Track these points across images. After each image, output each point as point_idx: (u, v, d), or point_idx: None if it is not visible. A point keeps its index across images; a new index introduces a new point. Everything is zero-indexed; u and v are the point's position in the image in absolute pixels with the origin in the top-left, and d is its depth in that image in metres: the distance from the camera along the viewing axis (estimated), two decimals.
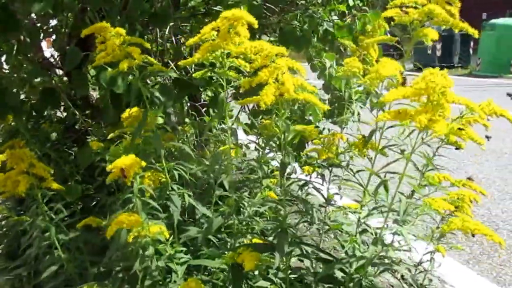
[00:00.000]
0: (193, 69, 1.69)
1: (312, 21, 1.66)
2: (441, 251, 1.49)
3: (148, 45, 1.20)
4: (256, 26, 1.11)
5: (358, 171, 1.30)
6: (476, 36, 1.23)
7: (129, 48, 1.15)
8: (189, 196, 1.25)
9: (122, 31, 1.15)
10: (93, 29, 1.16)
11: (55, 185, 1.36)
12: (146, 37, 1.80)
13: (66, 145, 1.96)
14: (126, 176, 1.06)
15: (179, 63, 1.17)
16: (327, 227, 1.49)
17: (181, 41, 2.00)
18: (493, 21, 11.96)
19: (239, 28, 1.09)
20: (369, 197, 1.27)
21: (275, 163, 2.11)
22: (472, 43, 13.60)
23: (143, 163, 1.10)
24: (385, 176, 1.19)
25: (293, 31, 1.64)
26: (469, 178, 1.39)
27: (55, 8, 1.46)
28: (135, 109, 1.27)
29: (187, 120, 2.00)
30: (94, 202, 1.83)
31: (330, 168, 1.44)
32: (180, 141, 1.81)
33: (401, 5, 1.20)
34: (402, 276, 2.33)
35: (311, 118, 1.93)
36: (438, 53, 13.60)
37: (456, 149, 1.29)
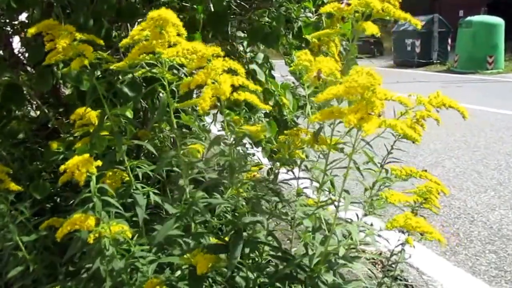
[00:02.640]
0: None
1: (279, 18, 1.63)
2: (410, 242, 1.50)
3: (101, 42, 1.14)
4: (181, 28, 1.08)
5: (311, 168, 1.28)
6: (419, 27, 1.21)
7: (81, 45, 1.10)
8: (155, 194, 1.21)
9: (72, 28, 1.10)
10: (41, 27, 1.11)
11: (13, 186, 1.30)
12: (115, 33, 1.74)
13: (37, 144, 1.90)
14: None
15: (111, 66, 1.11)
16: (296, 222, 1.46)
17: None
18: (470, 18, 12.08)
19: (169, 29, 1.05)
20: (324, 192, 1.26)
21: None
22: (450, 40, 13.74)
23: (99, 162, 1.05)
24: (330, 173, 1.18)
25: (262, 27, 1.60)
26: (424, 171, 1.38)
27: (19, 1, 1.40)
28: (82, 109, 1.22)
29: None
30: (66, 199, 1.78)
31: (299, 164, 1.42)
32: (157, 139, 1.77)
33: None
34: (382, 268, 2.34)
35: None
36: (418, 50, 13.72)
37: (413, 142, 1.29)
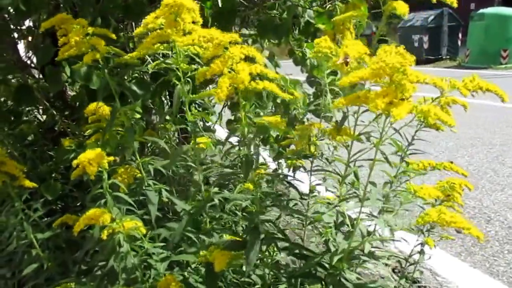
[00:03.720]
0: None
1: (291, 8, 1.63)
2: (430, 243, 1.47)
3: (113, 35, 1.16)
4: (197, 14, 1.06)
5: (333, 161, 1.27)
6: (455, 5, 1.16)
7: (93, 39, 1.12)
8: (167, 191, 1.24)
9: (85, 22, 1.12)
10: (54, 21, 1.12)
11: (27, 183, 1.34)
12: (122, 34, 1.78)
13: (45, 145, 1.95)
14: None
15: (125, 57, 1.11)
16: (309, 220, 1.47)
17: None
18: (482, 10, 11.92)
19: (184, 16, 1.04)
20: (346, 187, 1.24)
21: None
22: (460, 35, 13.62)
23: (111, 158, 1.08)
24: (354, 164, 1.14)
25: (272, 20, 1.62)
26: (450, 162, 1.35)
27: (26, 2, 1.44)
28: (94, 104, 1.24)
29: (168, 117, 1.99)
30: (76, 200, 1.82)
31: (311, 159, 1.41)
32: (163, 139, 1.80)
33: None
34: (393, 269, 2.34)
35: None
36: (426, 46, 13.61)
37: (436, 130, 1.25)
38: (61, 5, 1.59)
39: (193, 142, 1.22)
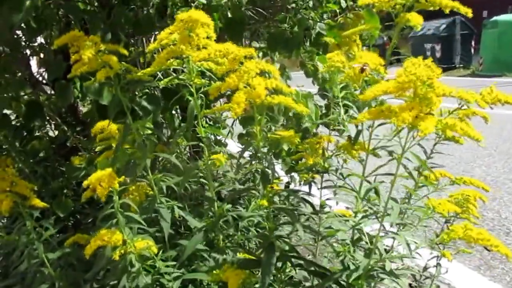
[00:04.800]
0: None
1: (302, 21, 1.63)
2: (447, 256, 1.44)
3: (125, 52, 1.17)
4: (211, 29, 1.06)
5: (348, 175, 1.25)
6: (470, 15, 1.15)
7: (106, 56, 1.12)
8: (179, 208, 1.23)
9: (97, 38, 1.13)
10: (66, 39, 1.13)
11: (38, 203, 1.34)
12: (133, 48, 1.79)
13: (57, 162, 1.96)
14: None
15: (138, 73, 1.12)
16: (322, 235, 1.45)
17: None
18: (495, 18, 11.88)
19: (199, 31, 1.05)
20: (362, 202, 1.22)
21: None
22: (473, 43, 13.57)
23: (122, 178, 1.07)
24: (374, 180, 1.12)
25: (283, 33, 1.62)
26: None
27: (37, 19, 1.46)
28: (103, 123, 1.24)
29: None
30: (88, 216, 1.82)
31: (321, 174, 1.39)
32: (174, 154, 1.80)
33: None
34: (410, 284, 2.30)
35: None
36: (438, 54, 13.56)
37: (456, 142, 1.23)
38: (72, 22, 1.60)
39: (206, 158, 1.21)
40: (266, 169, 1.03)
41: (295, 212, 1.22)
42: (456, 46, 13.47)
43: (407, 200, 1.31)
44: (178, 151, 1.90)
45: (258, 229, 1.47)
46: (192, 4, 2.11)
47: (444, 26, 13.50)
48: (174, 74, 1.12)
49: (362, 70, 1.00)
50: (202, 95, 1.12)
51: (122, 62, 1.15)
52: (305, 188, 1.52)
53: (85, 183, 1.06)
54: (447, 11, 1.12)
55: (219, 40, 1.87)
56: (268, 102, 0.98)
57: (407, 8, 1.11)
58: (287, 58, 2.12)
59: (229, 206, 1.20)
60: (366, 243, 1.13)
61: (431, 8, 1.11)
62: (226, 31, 1.58)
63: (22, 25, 1.51)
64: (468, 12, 1.14)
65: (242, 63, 0.98)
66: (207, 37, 1.11)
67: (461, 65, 13.56)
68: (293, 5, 1.98)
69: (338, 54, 1.09)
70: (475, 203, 1.40)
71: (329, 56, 1.10)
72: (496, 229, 2.95)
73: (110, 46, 1.15)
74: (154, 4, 2.01)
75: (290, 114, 2.04)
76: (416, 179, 1.30)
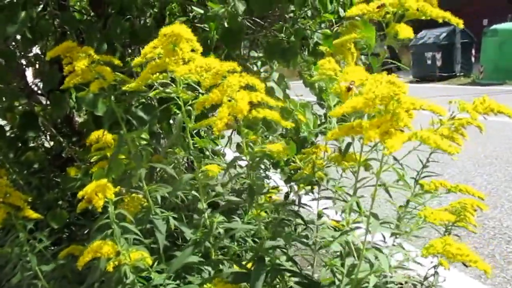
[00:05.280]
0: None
1: (299, 31, 1.64)
2: (445, 265, 1.44)
3: (119, 62, 1.17)
4: (195, 43, 1.07)
5: (337, 188, 1.24)
6: (461, 26, 1.13)
7: (99, 67, 1.12)
8: (175, 219, 1.22)
9: (91, 50, 1.13)
10: (60, 50, 1.13)
11: (32, 214, 1.33)
12: (129, 59, 1.80)
13: (53, 172, 1.95)
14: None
15: (123, 88, 1.12)
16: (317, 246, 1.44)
17: None
18: (495, 26, 11.93)
19: (183, 45, 1.05)
20: (353, 214, 1.20)
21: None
22: (473, 51, 13.60)
23: (117, 189, 1.07)
24: (355, 193, 1.11)
25: (279, 42, 1.62)
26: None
27: (32, 30, 1.46)
28: (98, 132, 1.24)
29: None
30: (83, 228, 1.81)
31: (316, 184, 1.38)
32: (172, 165, 1.79)
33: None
34: None
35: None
36: (439, 63, 13.59)
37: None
38: (68, 32, 1.61)
39: (197, 170, 1.20)
40: (256, 182, 1.02)
41: (290, 222, 1.21)
42: (457, 54, 13.49)
43: (403, 208, 1.30)
44: (176, 161, 1.90)
45: (256, 240, 1.46)
46: (190, 14, 2.13)
47: (444, 34, 13.54)
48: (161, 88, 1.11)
49: (349, 89, 0.97)
50: (191, 108, 1.11)
51: (117, 73, 1.15)
52: (307, 197, 1.52)
53: (80, 193, 1.05)
54: (440, 20, 1.11)
55: (216, 49, 1.89)
56: (253, 116, 0.98)
57: (398, 17, 1.10)
58: (287, 68, 2.13)
59: (221, 218, 1.19)
60: (354, 257, 1.12)
61: (423, 18, 1.10)
62: (223, 41, 1.58)
63: (18, 36, 1.52)
64: (459, 23, 1.12)
65: (225, 77, 0.99)
66: (192, 50, 1.11)
67: (462, 74, 13.57)
68: (291, 14, 1.99)
69: (329, 61, 1.07)
70: (472, 212, 1.39)
71: (321, 63, 1.09)
72: (497, 238, 2.94)
73: (104, 57, 1.15)
74: (151, 14, 2.02)
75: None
76: (411, 189, 1.30)
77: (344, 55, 1.16)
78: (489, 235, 2.98)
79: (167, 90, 1.06)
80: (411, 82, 14.35)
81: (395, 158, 1.04)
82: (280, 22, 1.95)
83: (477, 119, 1.18)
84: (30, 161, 1.74)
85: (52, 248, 1.50)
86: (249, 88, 0.99)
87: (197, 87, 1.05)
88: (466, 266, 1.18)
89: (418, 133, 0.84)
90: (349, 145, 1.13)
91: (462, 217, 1.38)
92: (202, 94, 1.07)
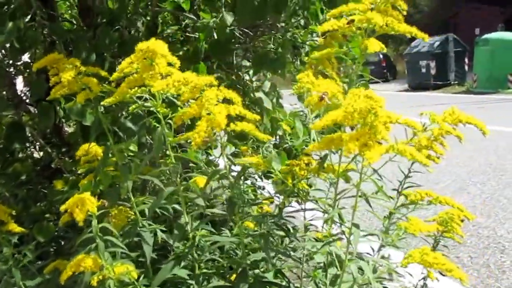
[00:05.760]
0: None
1: (286, 43, 1.65)
2: (431, 276, 1.44)
3: (106, 74, 1.16)
4: (170, 58, 1.07)
5: (317, 199, 1.24)
6: (426, 40, 1.17)
7: (85, 78, 1.12)
8: (163, 231, 1.20)
9: (77, 61, 1.13)
10: (46, 61, 1.13)
11: (15, 228, 1.31)
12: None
13: (41, 184, 1.92)
14: None
15: (102, 103, 1.12)
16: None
17: None
18: (486, 36, 12.09)
19: (159, 60, 1.05)
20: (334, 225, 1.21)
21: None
22: (467, 60, 13.71)
23: (100, 202, 1.05)
24: (337, 205, 1.12)
25: (267, 53, 1.62)
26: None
27: (20, 40, 1.45)
28: (86, 146, 1.23)
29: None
30: (70, 241, 1.78)
31: (305, 194, 1.37)
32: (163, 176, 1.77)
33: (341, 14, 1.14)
34: None
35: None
36: (433, 71, 13.68)
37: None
38: (57, 42, 1.60)
39: (178, 183, 1.18)
40: (237, 195, 1.01)
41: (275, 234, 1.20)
42: (450, 63, 13.60)
43: (384, 221, 1.31)
44: (168, 172, 1.88)
45: (251, 251, 1.44)
46: (183, 22, 2.13)
47: (438, 43, 13.66)
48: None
49: (321, 99, 1.01)
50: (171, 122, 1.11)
51: (103, 84, 1.15)
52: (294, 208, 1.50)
53: (62, 207, 1.04)
54: (408, 36, 1.14)
55: (207, 59, 1.88)
56: (231, 130, 1.00)
57: (370, 32, 1.12)
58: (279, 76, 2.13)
59: (204, 231, 1.17)
60: (337, 268, 1.12)
61: (392, 33, 1.12)
62: (212, 51, 1.58)
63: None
64: (424, 37, 1.15)
65: (204, 90, 1.00)
66: (170, 64, 1.11)
67: (456, 82, 13.69)
68: (283, 24, 1.99)
69: (308, 74, 1.08)
70: (459, 222, 1.40)
71: (299, 76, 1.11)
72: (491, 247, 2.94)
73: (90, 68, 1.14)
74: (144, 23, 2.01)
75: (280, 132, 2.03)
76: (394, 199, 1.30)
77: (325, 66, 1.18)
78: (484, 245, 2.98)
79: (146, 104, 1.06)
80: (406, 90, 14.44)
81: (374, 170, 1.04)
82: (272, 32, 1.95)
83: (457, 128, 1.23)
84: (18, 172, 1.71)
85: (39, 262, 1.47)
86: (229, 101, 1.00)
87: (176, 101, 1.05)
88: (443, 275, 1.19)
89: (395, 145, 0.88)
90: (326, 156, 1.15)
91: (449, 228, 1.39)
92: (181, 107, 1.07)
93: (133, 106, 1.09)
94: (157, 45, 1.08)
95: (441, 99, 11.47)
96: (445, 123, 1.21)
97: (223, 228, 1.37)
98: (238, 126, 1.02)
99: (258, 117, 1.01)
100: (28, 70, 1.88)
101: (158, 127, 1.05)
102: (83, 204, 1.00)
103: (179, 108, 1.09)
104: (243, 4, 1.32)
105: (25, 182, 1.77)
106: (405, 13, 1.13)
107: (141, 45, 1.08)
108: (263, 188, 2.03)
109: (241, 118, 1.03)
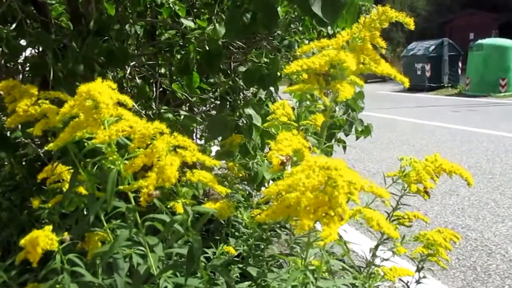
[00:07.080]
0: None
1: (275, 61, 1.49)
2: None
3: (68, 98, 0.98)
4: (110, 105, 0.89)
5: (292, 244, 1.10)
6: (406, 84, 1.02)
7: (44, 107, 0.95)
8: (142, 256, 1.06)
9: (34, 89, 0.97)
10: (1, 88, 0.97)
11: None
12: (111, 75, 1.64)
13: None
14: None
15: (46, 147, 0.96)
16: None
17: (150, 81, 1.82)
18: (480, 41, 11.87)
19: (102, 105, 0.86)
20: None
21: None
22: (460, 63, 13.49)
23: (65, 234, 0.91)
24: (306, 257, 0.96)
25: (258, 69, 1.46)
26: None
27: (8, 47, 1.32)
28: (49, 167, 1.08)
29: None
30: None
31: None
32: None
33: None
34: None
35: None
36: (428, 74, 13.48)
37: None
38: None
39: (141, 227, 1.01)
40: (195, 245, 0.85)
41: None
42: (445, 66, 13.41)
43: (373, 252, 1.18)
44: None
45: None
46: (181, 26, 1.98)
47: (433, 47, 13.47)
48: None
49: (282, 163, 0.83)
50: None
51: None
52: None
53: (21, 242, 0.89)
54: (387, 75, 1.00)
55: (197, 71, 1.74)
56: (186, 180, 0.87)
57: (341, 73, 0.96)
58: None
59: (170, 272, 1.01)
60: None
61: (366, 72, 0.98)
62: (203, 63, 1.43)
63: None
64: (405, 82, 1.02)
65: (154, 137, 0.84)
66: (122, 104, 0.93)
67: (450, 85, 13.48)
68: (279, 31, 1.84)
69: (283, 105, 0.93)
70: (447, 244, 1.31)
71: (273, 108, 0.95)
72: (478, 250, 2.82)
73: (51, 94, 0.98)
74: (142, 26, 1.87)
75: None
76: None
77: (312, 85, 1.00)
78: (471, 247, 2.87)
79: (98, 145, 0.89)
80: (402, 91, 14.22)
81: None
82: (267, 41, 1.80)
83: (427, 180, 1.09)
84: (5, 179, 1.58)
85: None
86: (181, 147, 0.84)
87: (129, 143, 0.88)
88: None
89: (362, 210, 0.73)
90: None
91: (435, 252, 1.31)
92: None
93: (86, 148, 0.91)
94: (100, 89, 0.90)
95: (434, 101, 11.30)
96: (425, 172, 1.07)
97: (217, 237, 1.23)
98: (195, 175, 0.88)
99: (219, 163, 0.85)
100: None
101: (112, 168, 0.88)
102: (36, 245, 0.85)
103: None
104: (231, 21, 1.16)
105: (12, 189, 1.63)
106: (383, 51, 0.98)
107: (82, 88, 0.90)
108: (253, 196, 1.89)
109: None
